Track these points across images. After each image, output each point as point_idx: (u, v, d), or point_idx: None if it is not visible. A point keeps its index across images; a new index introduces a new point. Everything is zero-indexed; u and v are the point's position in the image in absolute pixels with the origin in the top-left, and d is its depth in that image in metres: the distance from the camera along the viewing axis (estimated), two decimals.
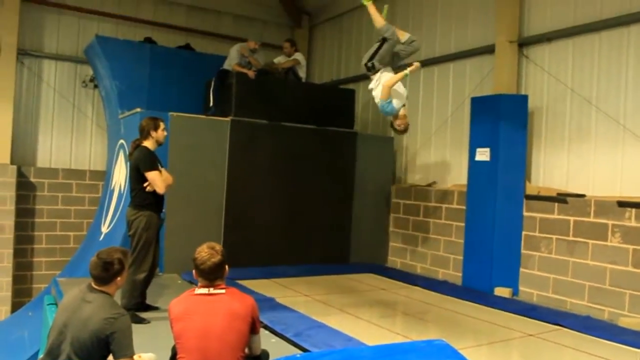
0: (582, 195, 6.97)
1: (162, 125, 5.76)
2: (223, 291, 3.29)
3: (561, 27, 7.49)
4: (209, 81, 9.11)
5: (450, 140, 9.18)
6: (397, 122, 6.67)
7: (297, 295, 7.16)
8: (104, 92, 10.38)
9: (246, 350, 3.33)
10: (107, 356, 3.39)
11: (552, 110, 7.63)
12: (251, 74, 8.77)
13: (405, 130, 6.84)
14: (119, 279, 3.51)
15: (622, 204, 6.43)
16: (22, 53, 10.38)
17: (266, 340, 3.66)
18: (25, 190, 10.28)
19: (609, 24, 6.95)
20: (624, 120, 6.76)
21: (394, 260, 9.80)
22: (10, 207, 9.87)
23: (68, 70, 10.91)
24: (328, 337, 5.02)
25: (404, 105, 6.62)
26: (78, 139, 11.05)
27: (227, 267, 3.37)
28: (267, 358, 3.61)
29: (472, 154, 7.98)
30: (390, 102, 6.41)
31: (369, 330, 5.70)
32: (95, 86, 10.93)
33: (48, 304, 6.26)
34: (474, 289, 7.66)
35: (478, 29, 8.76)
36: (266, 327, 5.12)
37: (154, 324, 5.32)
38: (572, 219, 6.95)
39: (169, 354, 3.55)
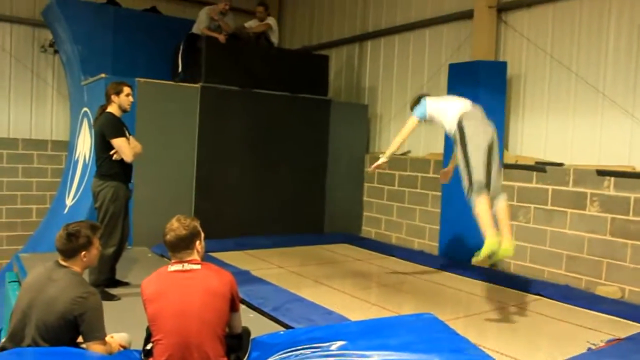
0: (561, 164, 6.90)
1: (125, 90, 5.39)
2: (198, 267, 3.07)
3: None
4: (177, 46, 8.71)
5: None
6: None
7: (271, 267, 6.99)
8: (65, 57, 9.89)
9: (226, 329, 3.13)
10: (76, 338, 3.15)
11: (532, 78, 7.50)
12: (222, 38, 8.42)
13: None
14: (84, 253, 3.23)
15: (601, 173, 6.38)
16: None
17: (244, 316, 3.48)
18: None
19: None
20: (604, 88, 6.67)
21: (369, 230, 9.69)
22: None
23: (25, 33, 10.34)
24: (307, 311, 4.86)
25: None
26: (38, 107, 10.56)
27: (200, 241, 3.16)
28: (249, 336, 3.43)
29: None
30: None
31: (346, 302, 5.57)
32: (56, 51, 10.42)
33: (10, 282, 5.95)
34: (451, 259, 7.58)
35: None
36: (243, 302, 4.91)
37: (124, 300, 5.09)
38: (550, 187, 6.89)
39: (141, 332, 3.33)
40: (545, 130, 7.31)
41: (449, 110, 5.48)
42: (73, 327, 3.06)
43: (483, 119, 5.38)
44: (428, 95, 5.94)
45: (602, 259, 6.36)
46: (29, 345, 3.04)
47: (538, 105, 7.40)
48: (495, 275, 6.81)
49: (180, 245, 3.08)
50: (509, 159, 7.47)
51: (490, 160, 5.09)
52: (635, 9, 6.43)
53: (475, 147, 5.10)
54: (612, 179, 6.29)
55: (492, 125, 5.35)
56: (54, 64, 10.63)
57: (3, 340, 3.21)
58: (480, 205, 5.02)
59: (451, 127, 5.38)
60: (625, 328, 4.99)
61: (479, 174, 5.06)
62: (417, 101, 5.86)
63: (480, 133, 5.18)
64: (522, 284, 6.38)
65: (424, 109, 5.68)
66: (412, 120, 5.76)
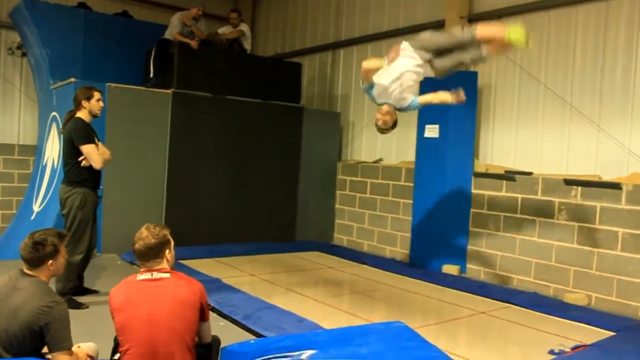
0: (530, 173, 7.01)
1: (96, 95, 5.32)
2: (167, 275, 3.03)
3: (511, 4, 7.43)
4: (149, 51, 8.63)
5: (398, 117, 9.03)
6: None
7: (242, 275, 6.94)
8: (34, 60, 9.70)
9: (195, 339, 3.09)
10: (40, 348, 3.06)
11: (502, 88, 7.62)
12: (194, 43, 8.37)
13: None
14: (51, 262, 3.16)
15: (569, 182, 6.49)
16: None
17: (214, 324, 3.45)
18: None
19: (558, 2, 6.95)
20: (571, 99, 6.80)
21: (340, 238, 9.69)
22: None
23: None
24: (279, 319, 4.84)
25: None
26: (5, 110, 10.34)
27: (169, 250, 3.11)
28: (218, 345, 3.38)
29: (420, 130, 7.88)
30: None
31: (318, 310, 5.57)
32: (24, 54, 10.22)
33: None
34: (422, 267, 7.64)
35: (427, 3, 8.65)
36: (214, 310, 4.88)
37: (92, 309, 5.00)
38: (520, 196, 6.98)
39: (109, 341, 3.26)
40: (514, 140, 7.42)
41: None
42: (38, 337, 2.98)
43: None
44: None
45: (570, 267, 6.46)
46: None
47: (508, 115, 7.52)
48: (465, 283, 6.87)
49: (150, 254, 3.04)
50: (480, 167, 7.56)
51: None
52: (600, 21, 6.58)
53: None
54: (580, 188, 6.41)
55: None
56: (22, 67, 10.43)
57: None
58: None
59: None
60: (592, 335, 5.08)
61: None
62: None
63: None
64: (492, 292, 6.45)
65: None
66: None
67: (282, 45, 11.84)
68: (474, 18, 7.87)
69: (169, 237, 3.13)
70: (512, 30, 5.09)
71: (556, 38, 7.02)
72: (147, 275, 3.02)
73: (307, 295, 6.13)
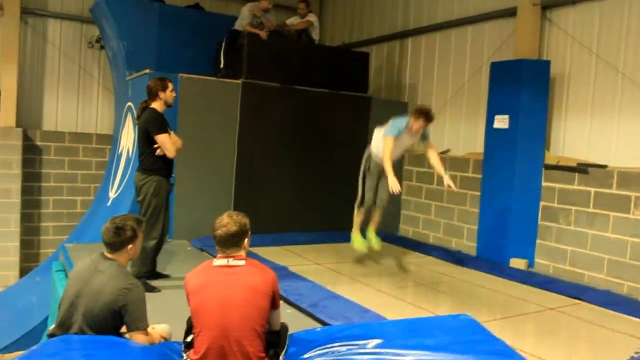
0: (604, 166, 6.75)
1: (170, 86, 5.51)
2: (243, 262, 3.13)
3: None
4: (220, 42, 8.81)
5: (467, 108, 8.93)
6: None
7: (308, 263, 7.05)
8: (111, 53, 10.13)
9: (266, 326, 3.19)
10: (120, 328, 3.26)
11: (576, 77, 7.34)
12: (264, 34, 8.49)
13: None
14: (130, 246, 3.35)
15: None
16: (27, 12, 10.12)
17: (282, 311, 3.53)
18: (31, 154, 10.15)
19: None
20: None
21: (406, 229, 9.65)
22: (17, 171, 9.76)
23: (74, 30, 10.65)
24: (344, 309, 4.90)
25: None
26: (85, 101, 10.85)
27: (248, 239, 3.21)
28: (287, 332, 3.48)
29: (490, 121, 7.72)
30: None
31: (382, 301, 5.59)
32: (102, 47, 10.67)
33: (56, 271, 6.16)
34: (489, 260, 7.51)
35: None
36: (281, 298, 4.97)
37: (165, 292, 5.22)
38: (593, 190, 6.75)
39: (181, 324, 3.42)
40: (588, 131, 7.15)
41: None
42: (117, 317, 3.16)
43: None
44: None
45: None
46: (76, 333, 3.16)
47: (582, 105, 7.25)
48: (534, 278, 6.72)
49: (230, 241, 3.12)
50: (551, 159, 7.35)
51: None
52: None
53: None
54: None
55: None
56: (100, 60, 10.90)
57: (52, 327, 3.34)
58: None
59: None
60: None
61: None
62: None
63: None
64: (562, 288, 6.28)
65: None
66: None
67: (350, 35, 11.83)
68: (548, 5, 7.62)
69: (249, 226, 3.22)
70: (354, 240, 7.07)
71: (637, 24, 6.67)
72: (224, 262, 3.12)
73: (372, 286, 6.16)
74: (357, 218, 7.02)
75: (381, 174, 6.58)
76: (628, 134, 6.72)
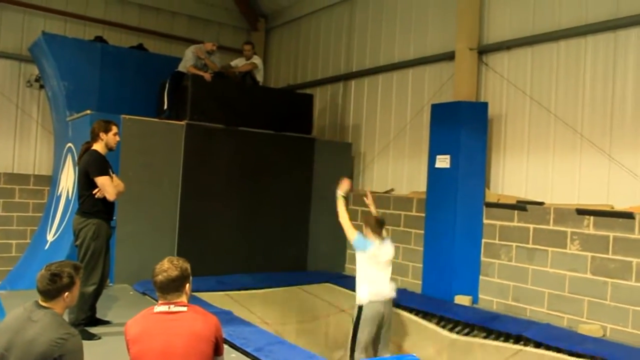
0: (541, 203, 7.00)
1: (114, 129, 5.43)
2: (184, 308, 3.05)
3: (520, 36, 7.52)
4: (163, 83, 8.77)
5: (409, 147, 9.13)
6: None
7: (254, 319, 6.83)
8: (51, 92, 9.90)
9: None
10: None
11: (512, 118, 7.65)
12: (207, 76, 8.50)
13: None
14: (67, 294, 3.20)
15: (581, 212, 6.47)
16: None
17: (226, 356, 3.44)
18: None
19: (567, 33, 7.00)
20: (582, 129, 6.81)
21: (352, 268, 9.57)
22: None
23: (11, 68, 10.38)
24: (290, 354, 4.83)
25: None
26: (22, 141, 10.52)
27: (189, 284, 3.14)
28: None
29: (431, 161, 7.92)
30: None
31: (330, 345, 5.53)
32: (41, 86, 10.44)
33: None
34: (434, 297, 7.58)
35: (438, 35, 8.74)
36: (225, 341, 4.87)
37: (105, 340, 5.01)
38: (531, 226, 6.97)
39: None
40: (525, 170, 7.43)
41: None
42: None
43: None
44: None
45: (584, 297, 6.40)
46: None
47: (519, 145, 7.54)
48: (478, 315, 6.80)
49: (171, 287, 3.04)
50: (491, 197, 7.56)
51: None
52: (609, 51, 6.63)
53: None
54: (592, 217, 6.39)
55: None
56: (39, 99, 10.63)
57: None
58: None
59: None
60: None
61: None
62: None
63: None
64: (505, 323, 6.37)
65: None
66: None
67: (294, 77, 11.99)
68: (484, 50, 7.96)
69: (189, 271, 3.15)
70: None
71: (565, 68, 7.06)
72: (165, 308, 3.03)
73: (318, 330, 6.09)
74: None
75: (381, 323, 5.41)
76: (562, 171, 7.01)
